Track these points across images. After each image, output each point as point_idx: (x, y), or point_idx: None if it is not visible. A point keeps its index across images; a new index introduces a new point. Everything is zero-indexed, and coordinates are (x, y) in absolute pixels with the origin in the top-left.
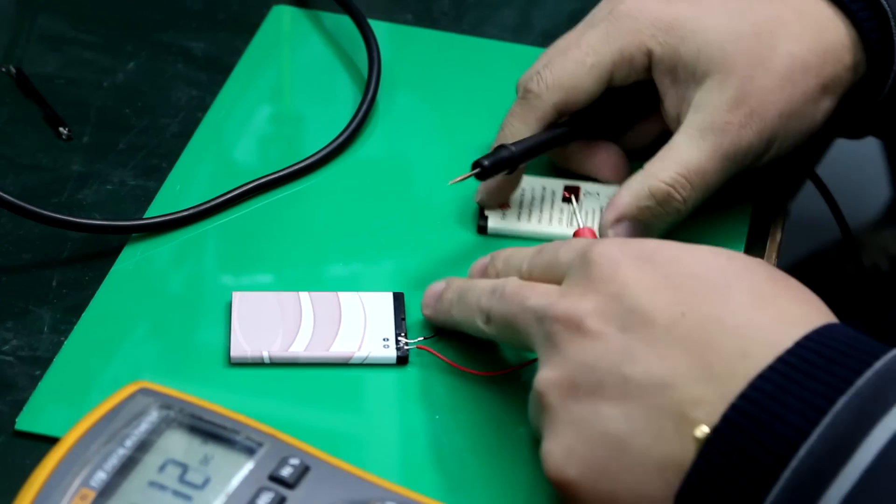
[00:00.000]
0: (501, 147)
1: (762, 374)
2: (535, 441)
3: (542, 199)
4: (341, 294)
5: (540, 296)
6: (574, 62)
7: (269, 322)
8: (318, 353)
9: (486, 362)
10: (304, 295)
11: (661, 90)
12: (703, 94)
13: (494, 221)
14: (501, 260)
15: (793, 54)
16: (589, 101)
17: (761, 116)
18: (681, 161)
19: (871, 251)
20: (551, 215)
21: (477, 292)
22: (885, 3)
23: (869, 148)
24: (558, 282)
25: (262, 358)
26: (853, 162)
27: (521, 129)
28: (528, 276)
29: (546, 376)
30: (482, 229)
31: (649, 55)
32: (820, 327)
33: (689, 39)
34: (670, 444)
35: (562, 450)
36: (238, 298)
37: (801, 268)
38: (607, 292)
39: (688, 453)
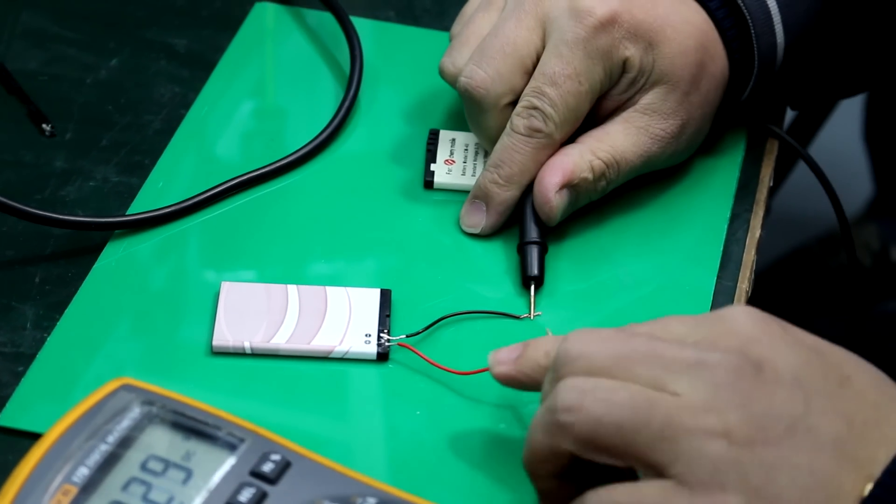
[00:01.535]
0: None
1: None
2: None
3: (486, 153)
4: (329, 288)
5: None
6: (573, 95)
7: (255, 313)
8: (299, 345)
9: (466, 362)
10: (292, 288)
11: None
12: (648, 98)
13: (440, 176)
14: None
15: (714, 75)
16: None
17: (686, 130)
18: (616, 147)
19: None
20: None
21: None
22: (748, 17)
23: (850, 144)
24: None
25: (243, 348)
26: (834, 158)
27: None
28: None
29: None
30: (429, 184)
31: (623, 64)
32: None
33: (650, 51)
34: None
35: None
36: (226, 288)
37: (784, 264)
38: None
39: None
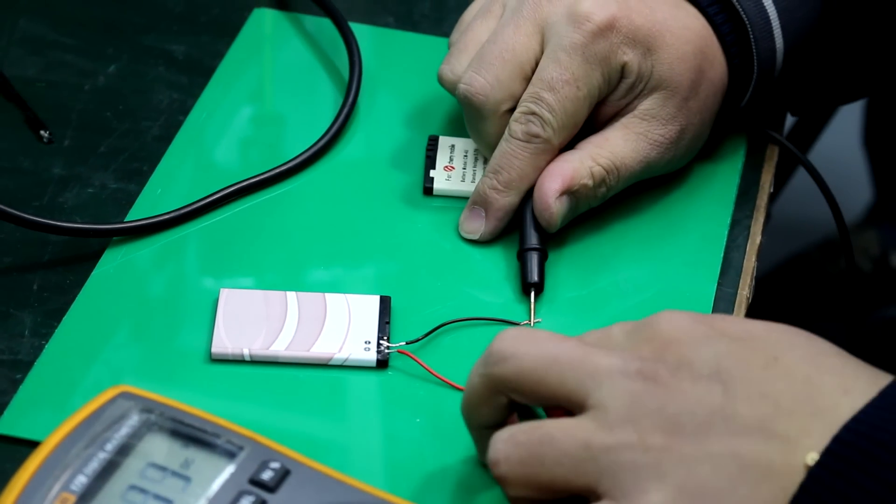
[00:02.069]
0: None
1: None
2: None
3: (485, 160)
4: (328, 295)
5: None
6: (571, 100)
7: (254, 320)
8: (299, 352)
9: (466, 368)
10: (291, 294)
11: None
12: (647, 104)
13: (440, 183)
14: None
15: (713, 81)
16: None
17: (685, 135)
18: (615, 153)
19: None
20: None
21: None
22: (748, 27)
23: (849, 150)
24: None
25: (242, 355)
26: (834, 164)
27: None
28: None
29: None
30: (428, 191)
31: (622, 69)
32: None
33: (648, 56)
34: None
35: None
36: (225, 295)
37: (784, 270)
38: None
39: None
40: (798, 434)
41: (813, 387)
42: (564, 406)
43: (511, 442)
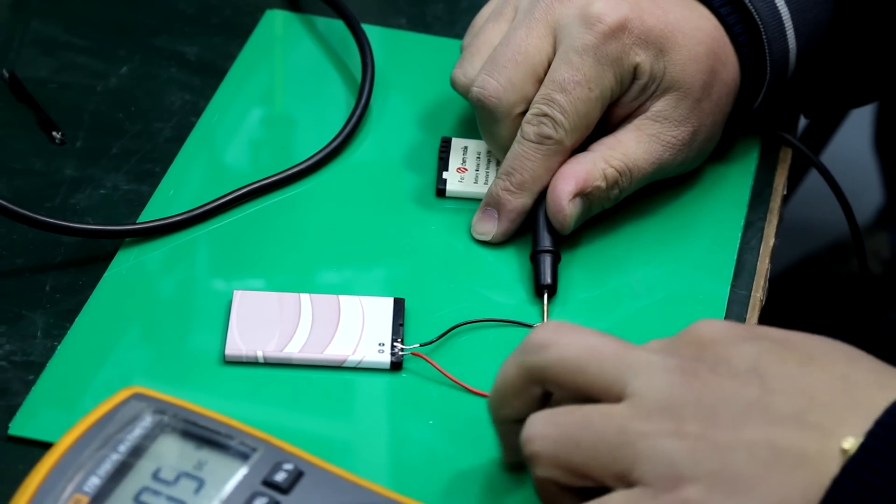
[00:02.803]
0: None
1: None
2: None
3: (498, 162)
4: (342, 297)
5: None
6: (583, 101)
7: (267, 322)
8: (312, 355)
9: (479, 369)
10: (304, 296)
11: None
12: (659, 105)
13: (452, 185)
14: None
15: (726, 82)
16: None
17: (698, 137)
18: (628, 154)
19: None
20: None
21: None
22: (760, 26)
23: (860, 152)
24: None
25: (256, 357)
26: (844, 166)
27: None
28: None
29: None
30: (441, 192)
31: (634, 70)
32: None
33: (660, 57)
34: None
35: None
36: (239, 297)
37: (794, 272)
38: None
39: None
40: (834, 424)
41: (849, 382)
42: (601, 398)
43: (549, 421)
